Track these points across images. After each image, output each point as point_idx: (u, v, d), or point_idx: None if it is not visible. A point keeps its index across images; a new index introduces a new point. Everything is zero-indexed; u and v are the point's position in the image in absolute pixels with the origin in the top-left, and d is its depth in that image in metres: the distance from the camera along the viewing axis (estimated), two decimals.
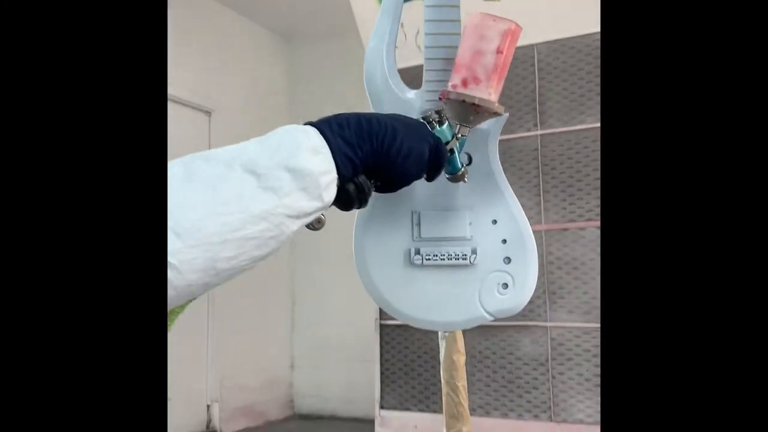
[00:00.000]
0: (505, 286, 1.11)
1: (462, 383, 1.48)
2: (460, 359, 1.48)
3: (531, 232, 1.15)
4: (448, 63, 1.12)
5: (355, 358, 3.43)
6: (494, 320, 1.13)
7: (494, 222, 1.12)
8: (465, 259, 1.10)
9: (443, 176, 1.14)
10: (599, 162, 2.87)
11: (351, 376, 3.51)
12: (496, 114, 0.93)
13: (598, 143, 2.84)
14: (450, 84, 0.86)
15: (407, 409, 3.13)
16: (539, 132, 2.93)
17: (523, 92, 3.00)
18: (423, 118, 0.87)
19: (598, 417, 2.75)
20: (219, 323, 3.30)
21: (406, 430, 3.12)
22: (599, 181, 3.00)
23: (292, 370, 3.78)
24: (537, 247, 3.09)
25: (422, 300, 1.11)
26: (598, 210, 2.80)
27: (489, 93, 0.84)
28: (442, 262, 1.10)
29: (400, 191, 1.13)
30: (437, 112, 0.83)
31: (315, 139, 0.64)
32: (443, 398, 1.49)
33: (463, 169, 0.95)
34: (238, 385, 3.35)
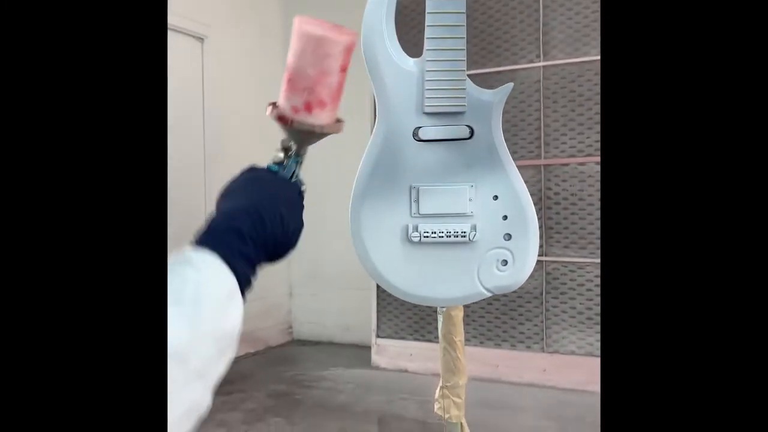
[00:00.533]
0: (505, 262, 1.09)
1: (459, 338, 1.49)
2: (458, 315, 1.49)
3: (533, 208, 1.13)
4: (452, 30, 1.05)
5: (352, 286, 3.47)
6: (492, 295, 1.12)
7: (495, 198, 1.09)
8: (464, 236, 1.08)
9: (444, 149, 1.10)
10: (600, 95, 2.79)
11: (348, 304, 3.57)
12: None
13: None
14: (290, 106, 0.70)
15: (403, 338, 3.20)
16: (542, 63, 2.84)
17: (526, 21, 2.87)
18: (276, 163, 0.73)
19: (589, 349, 2.82)
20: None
21: (401, 358, 3.21)
22: (600, 115, 2.94)
23: (290, 297, 3.84)
24: (536, 182, 3.06)
25: (419, 276, 1.09)
26: (598, 145, 2.75)
27: (334, 115, 0.71)
28: (441, 240, 1.08)
29: (399, 166, 1.10)
30: (285, 149, 0.72)
31: (229, 284, 0.57)
32: (440, 352, 1.50)
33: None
34: None
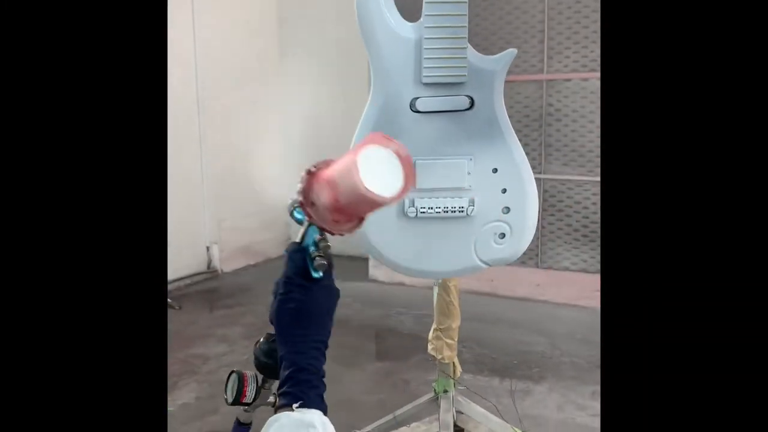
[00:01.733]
0: (502, 236, 1.07)
1: (454, 283, 1.50)
2: None
3: (533, 180, 1.09)
4: None
5: None
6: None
7: (495, 171, 1.05)
8: (462, 211, 1.05)
9: (442, 120, 1.04)
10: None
11: None
12: None
13: None
14: (322, 204, 0.69)
15: None
16: None
17: None
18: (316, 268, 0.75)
19: (582, 265, 2.86)
20: (212, 168, 3.27)
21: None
22: None
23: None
24: (537, 97, 2.98)
25: (415, 251, 1.08)
26: None
27: (355, 228, 0.73)
28: (438, 215, 1.05)
29: (395, 137, 1.04)
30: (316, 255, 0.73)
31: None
32: (435, 297, 1.52)
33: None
34: (235, 226, 3.42)
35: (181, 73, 3.13)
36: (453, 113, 1.03)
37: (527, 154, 3.06)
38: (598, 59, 2.66)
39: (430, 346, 1.58)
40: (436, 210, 1.05)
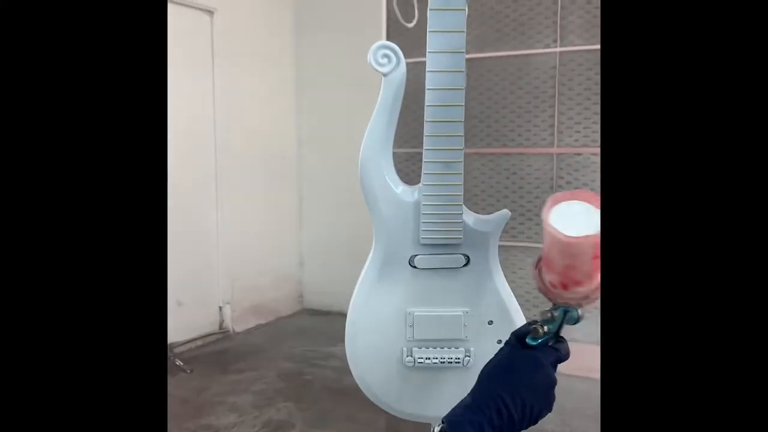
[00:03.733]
0: None
1: None
2: None
3: None
4: (449, 166, 1.03)
5: (362, 257, 3.52)
6: None
7: (490, 323, 1.10)
8: (458, 362, 1.10)
9: (439, 275, 1.10)
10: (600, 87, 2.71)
11: (358, 274, 3.62)
12: None
13: None
14: (548, 281, 0.73)
15: None
16: (558, 49, 2.72)
17: (544, 3, 2.73)
18: (534, 337, 0.78)
19: (593, 337, 2.87)
20: (228, 227, 3.35)
21: None
22: None
23: (301, 267, 3.91)
24: (548, 170, 3.03)
25: (414, 397, 1.13)
26: None
27: (594, 286, 0.72)
28: (435, 365, 1.10)
29: (395, 290, 1.10)
30: (546, 320, 0.76)
31: None
32: None
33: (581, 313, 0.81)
34: (248, 285, 3.49)
35: (200, 130, 3.22)
36: (449, 270, 1.08)
37: (538, 224, 3.11)
38: None
39: None
40: (433, 360, 1.10)
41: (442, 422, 0.69)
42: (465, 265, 1.08)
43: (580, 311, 0.76)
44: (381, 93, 1.02)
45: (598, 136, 2.75)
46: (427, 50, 0.99)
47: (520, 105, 2.86)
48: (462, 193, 1.03)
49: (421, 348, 1.10)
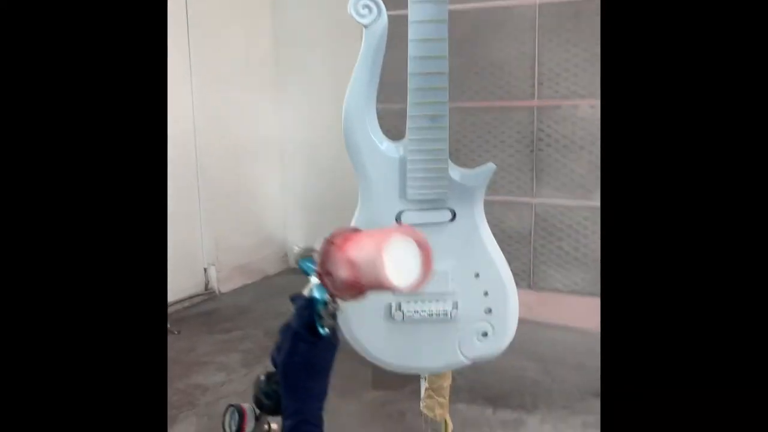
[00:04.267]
0: (485, 334, 1.14)
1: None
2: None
3: (513, 283, 1.16)
4: (435, 119, 1.03)
5: (346, 213, 3.53)
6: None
7: (477, 276, 1.12)
8: (446, 315, 1.12)
9: (426, 230, 1.11)
10: (597, 37, 2.70)
11: None
12: None
13: (598, 16, 2.65)
14: (336, 274, 0.74)
15: None
16: (538, 1, 2.70)
17: None
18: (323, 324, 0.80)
19: (574, 287, 2.94)
20: (210, 189, 3.33)
21: None
22: (595, 57, 2.85)
23: (285, 228, 3.90)
24: (528, 123, 3.04)
25: (402, 350, 1.15)
26: (592, 88, 2.70)
27: (359, 299, 0.77)
28: (423, 319, 1.12)
29: None
30: (323, 313, 0.79)
31: None
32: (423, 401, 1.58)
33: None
34: (233, 246, 3.49)
35: (176, 89, 3.17)
36: (436, 225, 1.09)
37: (519, 178, 3.13)
38: (588, 86, 2.72)
39: (422, 404, 1.66)
40: (422, 314, 1.12)
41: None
42: (451, 219, 1.09)
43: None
44: (363, 45, 1.02)
45: (578, 89, 2.76)
46: (409, 0, 0.98)
47: (500, 57, 2.85)
48: (447, 148, 1.03)
49: (409, 302, 1.12)
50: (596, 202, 2.81)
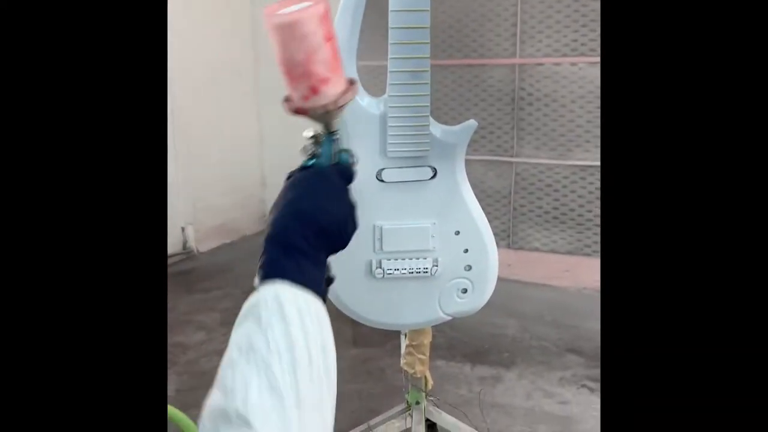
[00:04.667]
0: (465, 291, 1.16)
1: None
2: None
3: (493, 239, 1.17)
4: (416, 75, 1.02)
5: None
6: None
7: (457, 233, 1.13)
8: (426, 272, 1.13)
9: (407, 188, 1.11)
10: None
11: None
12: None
13: None
14: (299, 96, 0.69)
15: None
16: None
17: None
18: (308, 158, 0.71)
19: (552, 246, 2.98)
20: (186, 146, 3.28)
21: None
22: (579, 14, 2.82)
23: (263, 187, 3.87)
24: (510, 81, 3.03)
25: (383, 306, 1.16)
26: (575, 45, 2.69)
27: (342, 82, 0.69)
28: (403, 276, 1.13)
29: (363, 204, 1.11)
30: (314, 137, 0.71)
31: (314, 308, 0.57)
32: (403, 358, 1.60)
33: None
34: (211, 205, 3.46)
35: None
36: (417, 182, 1.09)
37: (500, 137, 3.14)
38: (570, 44, 2.70)
39: (402, 361, 1.69)
40: (402, 271, 1.13)
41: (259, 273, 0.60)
42: (432, 177, 1.09)
43: (351, 156, 0.71)
44: None
45: (560, 46, 2.74)
46: None
47: (482, 14, 2.81)
48: (429, 104, 1.03)
49: (390, 260, 1.13)
50: (576, 161, 2.83)
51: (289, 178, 0.69)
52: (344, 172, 0.69)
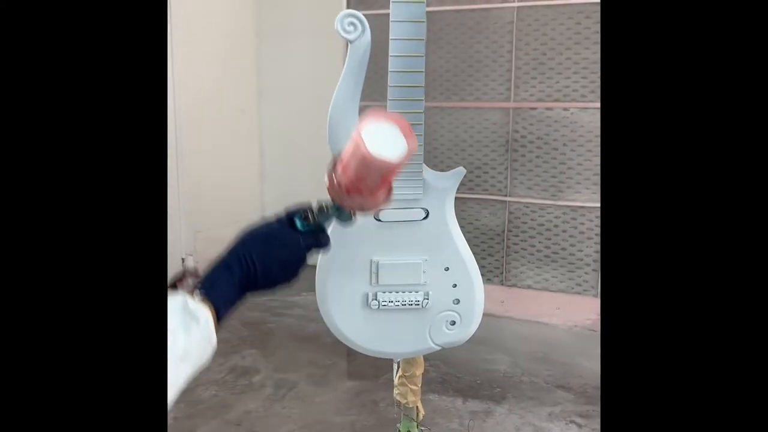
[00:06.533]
0: (453, 323, 1.28)
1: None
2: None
3: (480, 276, 1.30)
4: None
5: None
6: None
7: (446, 269, 1.26)
8: (418, 304, 1.25)
9: (401, 227, 1.24)
10: (573, 41, 2.82)
11: None
12: None
13: (575, 21, 2.79)
14: (336, 181, 0.80)
15: None
16: (516, 4, 2.84)
17: None
18: (303, 218, 0.84)
19: (545, 284, 3.10)
20: (188, 181, 3.42)
21: None
22: (571, 61, 2.97)
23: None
24: (504, 124, 3.18)
25: (378, 336, 1.28)
26: (567, 90, 2.85)
27: (371, 199, 0.82)
28: (397, 307, 1.25)
29: (361, 241, 1.24)
30: (320, 209, 0.84)
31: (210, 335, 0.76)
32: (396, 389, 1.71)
33: (353, 218, 0.88)
34: (212, 236, 3.58)
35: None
36: (411, 222, 1.22)
37: (494, 177, 3.26)
38: (563, 90, 2.87)
39: (395, 392, 1.80)
40: (396, 303, 1.25)
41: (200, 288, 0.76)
42: (425, 218, 1.22)
43: (353, 214, 0.83)
44: (347, 59, 1.14)
45: (553, 91, 2.90)
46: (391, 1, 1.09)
47: (478, 59, 2.98)
48: (423, 153, 1.17)
49: (385, 292, 1.25)
50: (566, 202, 2.97)
51: (287, 213, 0.84)
52: (320, 241, 0.83)
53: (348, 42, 1.13)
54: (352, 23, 1.11)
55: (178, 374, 0.70)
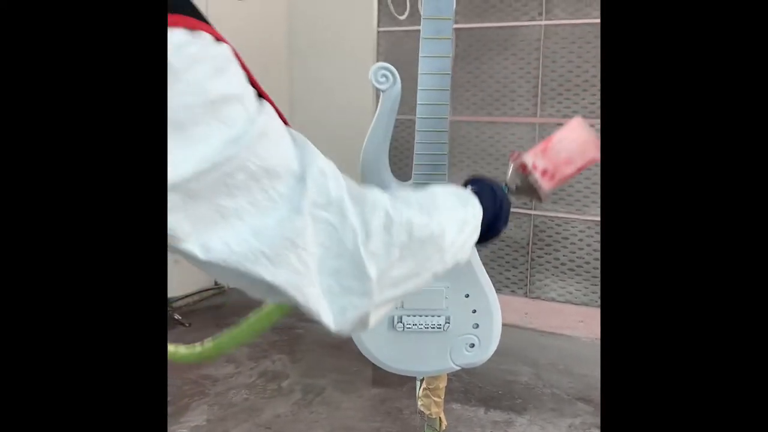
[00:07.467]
0: (472, 345, 1.39)
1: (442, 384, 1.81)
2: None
3: (498, 303, 1.40)
4: (435, 167, 1.27)
5: None
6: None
7: (467, 296, 1.37)
8: (440, 328, 1.37)
9: None
10: (599, 59, 2.91)
11: None
12: None
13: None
14: (532, 162, 0.94)
15: None
16: (543, 22, 2.93)
17: None
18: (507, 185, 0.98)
19: (568, 297, 3.18)
20: None
21: None
22: (596, 78, 3.06)
23: None
24: (530, 140, 3.29)
25: (402, 355, 1.40)
26: (593, 107, 2.93)
27: (551, 189, 0.97)
28: (420, 330, 1.37)
29: None
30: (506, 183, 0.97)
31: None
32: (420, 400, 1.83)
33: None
34: None
35: None
36: None
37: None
38: (589, 107, 2.95)
39: (419, 403, 1.91)
40: (419, 326, 1.37)
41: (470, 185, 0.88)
42: None
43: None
44: (379, 106, 1.26)
45: (578, 108, 2.99)
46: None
47: (505, 75, 3.07)
48: (447, 173, 1.28)
49: (409, 315, 1.37)
50: (591, 216, 3.05)
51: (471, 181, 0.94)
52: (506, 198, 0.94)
53: (381, 92, 1.25)
54: (384, 75, 1.23)
55: None
